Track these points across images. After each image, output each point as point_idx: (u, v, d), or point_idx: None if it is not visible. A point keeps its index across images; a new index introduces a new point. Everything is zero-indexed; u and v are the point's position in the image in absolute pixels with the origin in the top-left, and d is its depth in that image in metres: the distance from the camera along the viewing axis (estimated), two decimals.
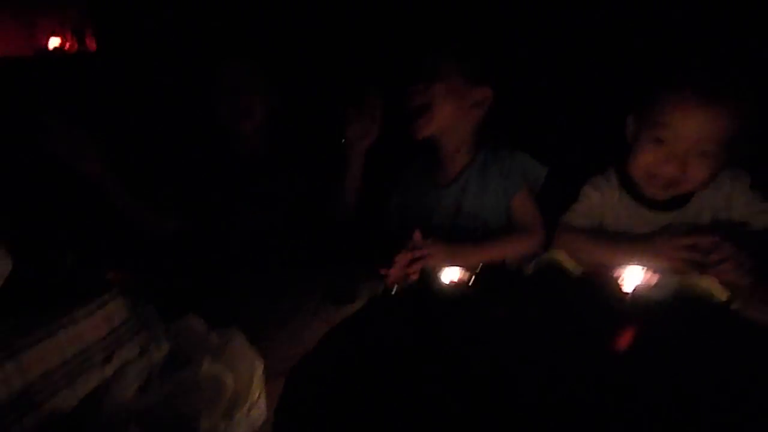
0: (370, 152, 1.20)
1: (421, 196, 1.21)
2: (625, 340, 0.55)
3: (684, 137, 0.90)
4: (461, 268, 0.80)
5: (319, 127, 1.39)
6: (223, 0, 1.60)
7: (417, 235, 0.94)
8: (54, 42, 2.10)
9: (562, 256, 0.73)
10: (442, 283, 0.77)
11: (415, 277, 0.87)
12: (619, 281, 0.67)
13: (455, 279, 0.78)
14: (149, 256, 1.18)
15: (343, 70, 1.51)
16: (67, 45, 2.11)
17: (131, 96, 1.59)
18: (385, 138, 1.18)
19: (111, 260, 0.94)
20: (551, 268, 0.71)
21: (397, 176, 1.30)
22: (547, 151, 1.14)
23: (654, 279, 0.72)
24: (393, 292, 0.81)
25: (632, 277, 0.73)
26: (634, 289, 0.63)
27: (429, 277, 0.78)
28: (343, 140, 1.22)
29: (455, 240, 1.02)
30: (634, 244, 0.94)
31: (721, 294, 0.58)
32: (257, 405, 0.55)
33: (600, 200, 1.07)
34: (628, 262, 0.77)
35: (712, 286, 0.59)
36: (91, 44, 2.08)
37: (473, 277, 0.74)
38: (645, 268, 0.74)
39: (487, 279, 0.71)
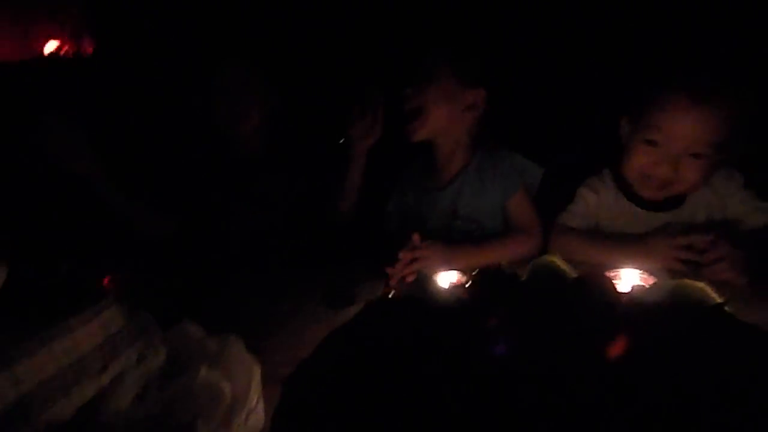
0: (370, 153, 1.20)
1: (418, 198, 1.21)
2: (621, 342, 0.55)
3: (676, 139, 0.90)
4: (458, 270, 0.80)
5: (319, 128, 1.39)
6: (221, 2, 1.60)
7: (416, 237, 0.94)
8: (51, 46, 2.10)
9: (558, 259, 0.73)
10: (440, 286, 0.77)
11: (411, 279, 0.87)
12: (614, 283, 0.67)
13: (452, 282, 0.78)
14: (147, 258, 1.18)
15: (342, 71, 1.51)
16: (65, 49, 2.11)
17: (129, 99, 1.59)
18: (384, 140, 1.18)
19: (107, 265, 0.94)
20: (546, 270, 0.71)
21: (396, 178, 1.30)
22: (543, 153, 1.14)
23: (650, 280, 0.72)
24: (391, 295, 0.81)
25: (628, 278, 0.73)
26: (630, 291, 0.63)
27: (426, 281, 0.78)
28: (342, 140, 1.22)
29: (453, 242, 1.02)
30: (630, 245, 0.94)
31: (715, 296, 0.58)
32: (255, 412, 0.55)
33: (596, 201, 1.07)
34: (623, 262, 0.77)
35: (706, 288, 0.59)
36: (89, 48, 2.08)
37: (470, 280, 0.75)
38: (641, 269, 0.74)
39: (483, 282, 0.71)
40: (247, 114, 1.27)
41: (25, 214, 1.24)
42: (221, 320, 0.65)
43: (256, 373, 0.57)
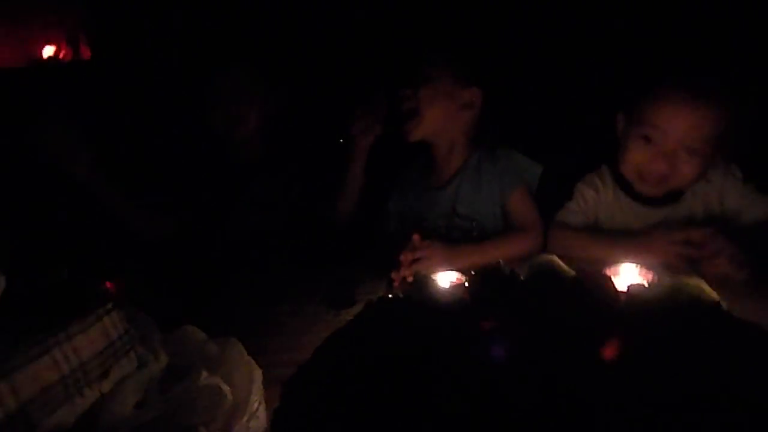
0: (370, 154, 1.21)
1: (417, 198, 1.21)
2: (620, 340, 0.55)
3: (671, 135, 0.91)
4: (458, 270, 0.80)
5: (318, 129, 1.40)
6: (219, 6, 1.60)
7: (416, 238, 0.94)
8: (48, 51, 2.10)
9: (556, 258, 0.73)
10: (440, 286, 0.77)
11: (410, 279, 0.87)
12: (612, 280, 0.67)
13: (452, 282, 0.78)
14: (147, 261, 1.18)
15: (341, 72, 1.51)
16: (62, 53, 2.12)
17: (127, 102, 1.59)
18: (383, 140, 1.19)
19: (107, 269, 0.95)
20: (545, 269, 0.71)
21: (396, 178, 1.31)
22: (541, 150, 1.14)
23: (648, 275, 0.72)
24: (390, 296, 0.82)
25: (626, 275, 0.73)
26: (628, 288, 0.63)
27: (426, 281, 0.78)
28: (342, 140, 1.23)
29: (453, 241, 1.02)
30: (629, 240, 0.95)
31: (711, 293, 0.58)
32: (256, 415, 0.56)
33: (594, 197, 1.07)
34: (622, 258, 0.77)
35: (701, 285, 0.59)
36: (86, 52, 2.09)
37: (469, 280, 0.75)
38: (639, 265, 0.74)
39: (481, 281, 0.71)
40: (245, 117, 1.27)
41: (25, 219, 1.24)
42: (221, 323, 0.65)
43: (258, 376, 0.58)
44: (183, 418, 0.48)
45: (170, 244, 1.25)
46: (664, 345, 0.52)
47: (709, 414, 0.48)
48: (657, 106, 0.92)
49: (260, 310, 0.87)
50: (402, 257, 0.90)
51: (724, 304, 0.58)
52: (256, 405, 0.54)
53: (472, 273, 0.73)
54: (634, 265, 0.75)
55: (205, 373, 0.53)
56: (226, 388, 0.53)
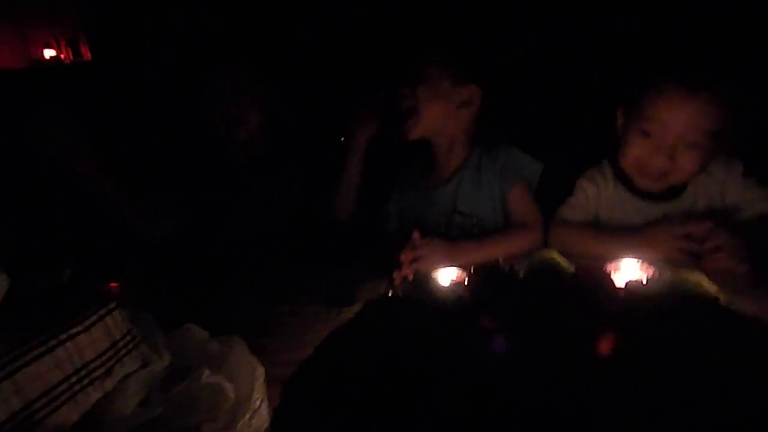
0: (370, 154, 1.21)
1: (418, 196, 1.21)
2: (619, 336, 0.56)
3: (670, 129, 0.90)
4: (458, 267, 0.80)
5: (318, 129, 1.40)
6: (219, 6, 1.60)
7: (416, 235, 0.94)
8: (49, 53, 2.11)
9: (556, 254, 0.73)
10: (440, 283, 0.77)
11: (410, 277, 0.87)
12: (612, 276, 0.67)
13: (452, 279, 0.78)
14: (148, 261, 1.18)
15: (341, 71, 1.51)
16: (63, 55, 2.13)
17: (127, 102, 1.60)
18: (383, 140, 1.19)
19: (109, 270, 0.95)
20: (545, 266, 0.71)
21: (396, 179, 1.31)
22: (541, 146, 1.14)
23: (649, 271, 0.72)
24: (390, 294, 0.82)
25: (627, 270, 0.73)
26: (627, 284, 0.63)
27: (426, 278, 0.78)
28: (343, 139, 1.23)
29: (453, 239, 1.02)
30: (630, 236, 0.94)
31: (710, 288, 0.58)
32: (259, 413, 0.56)
33: (595, 193, 1.07)
34: (623, 253, 0.77)
35: (701, 279, 0.59)
36: (86, 53, 2.09)
37: (469, 278, 0.75)
38: (640, 260, 0.74)
39: (481, 278, 0.71)
40: (246, 117, 1.27)
41: (27, 220, 1.25)
42: (222, 323, 0.65)
43: (260, 374, 0.58)
44: (186, 416, 0.49)
45: (171, 244, 1.25)
46: (662, 342, 0.53)
47: (708, 413, 0.48)
48: (656, 99, 0.91)
49: (261, 310, 0.88)
50: (402, 256, 0.90)
51: (723, 299, 0.58)
52: (258, 402, 0.55)
53: (472, 271, 0.74)
54: (635, 260, 0.75)
55: (207, 372, 0.54)
56: (228, 386, 0.53)
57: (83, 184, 1.10)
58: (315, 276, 0.97)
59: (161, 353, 0.57)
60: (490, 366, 0.58)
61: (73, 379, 0.47)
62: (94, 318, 0.52)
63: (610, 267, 0.72)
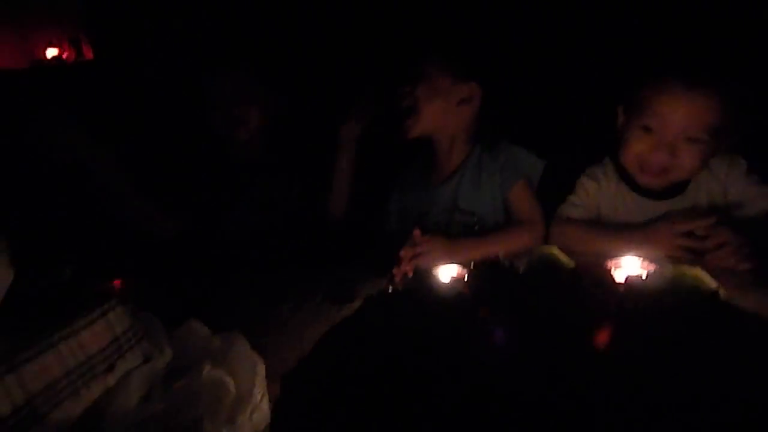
0: (369, 153, 1.21)
1: (418, 194, 1.21)
2: (619, 331, 0.56)
3: (671, 124, 0.90)
4: (459, 264, 0.80)
5: (318, 129, 1.40)
6: (220, 6, 1.61)
7: (416, 233, 0.95)
8: (51, 52, 2.11)
9: (556, 250, 0.73)
10: (440, 280, 0.77)
11: (410, 275, 0.87)
12: (612, 272, 0.67)
13: (453, 276, 0.78)
14: (148, 260, 1.18)
15: (340, 71, 1.51)
16: (65, 54, 2.13)
17: (129, 101, 1.60)
18: (383, 140, 1.19)
19: (111, 268, 0.95)
20: (545, 262, 0.71)
21: (397, 176, 1.31)
22: (543, 144, 1.13)
23: (651, 268, 0.72)
24: (390, 290, 0.82)
25: (628, 267, 0.73)
26: (627, 280, 0.63)
27: (426, 275, 0.78)
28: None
29: (454, 236, 1.02)
30: (632, 234, 0.94)
31: (710, 282, 0.58)
32: (260, 408, 0.56)
33: (597, 190, 1.07)
34: (625, 251, 0.77)
35: (701, 274, 0.59)
36: (88, 53, 2.10)
37: (469, 273, 0.75)
38: (641, 257, 0.74)
39: (481, 275, 0.71)
40: (246, 118, 1.27)
41: (27, 220, 1.25)
42: (223, 321, 0.65)
43: (260, 369, 0.58)
44: (187, 411, 0.49)
45: (171, 244, 1.26)
46: (662, 337, 0.53)
47: (708, 409, 0.48)
48: (656, 94, 0.91)
49: (261, 309, 0.88)
50: (402, 252, 0.90)
51: (723, 294, 0.58)
52: (259, 398, 0.55)
53: (472, 266, 0.74)
54: (636, 257, 0.75)
55: (208, 367, 0.54)
56: (229, 381, 0.54)
57: (102, 185, 1.11)
58: (315, 276, 0.97)
59: (163, 349, 0.58)
60: (489, 362, 0.58)
61: (76, 373, 0.47)
62: (96, 314, 0.52)
63: (611, 263, 0.73)
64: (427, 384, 0.57)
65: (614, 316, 0.58)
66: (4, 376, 0.41)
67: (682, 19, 1.17)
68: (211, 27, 1.61)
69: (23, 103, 1.48)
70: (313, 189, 1.31)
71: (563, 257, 0.73)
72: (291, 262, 1.11)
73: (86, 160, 1.08)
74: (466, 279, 0.75)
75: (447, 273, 0.80)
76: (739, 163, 0.98)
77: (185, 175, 1.33)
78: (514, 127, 1.17)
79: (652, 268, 0.73)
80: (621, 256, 0.77)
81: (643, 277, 0.65)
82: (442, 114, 1.11)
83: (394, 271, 0.88)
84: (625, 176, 1.04)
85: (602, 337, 0.55)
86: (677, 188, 1.00)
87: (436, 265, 0.82)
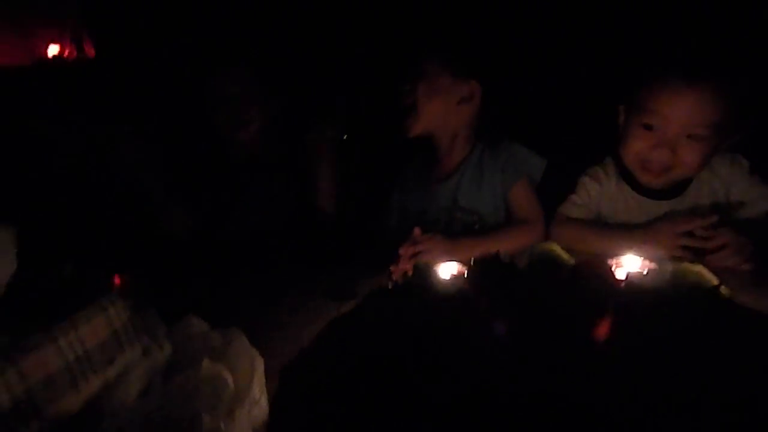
0: (370, 153, 1.21)
1: (419, 192, 1.22)
2: (619, 328, 0.56)
3: (672, 122, 0.90)
4: (459, 262, 0.80)
5: (318, 128, 1.40)
6: (220, 7, 1.61)
7: (416, 231, 0.95)
8: (53, 50, 2.11)
9: (556, 247, 0.73)
10: (440, 277, 0.77)
11: (410, 273, 0.87)
12: (613, 270, 0.67)
13: (453, 273, 0.79)
14: (150, 257, 1.18)
15: (340, 71, 1.51)
16: (66, 52, 2.13)
17: (131, 101, 1.60)
18: (383, 140, 1.19)
19: (111, 264, 0.95)
20: (545, 259, 0.71)
21: (397, 175, 1.31)
22: (544, 143, 1.13)
23: (651, 266, 0.72)
24: (391, 287, 0.82)
25: (629, 265, 0.73)
26: (627, 278, 0.63)
27: (427, 272, 0.78)
28: (345, 136, 1.23)
29: (454, 234, 1.02)
30: (632, 233, 0.94)
31: (711, 280, 0.58)
32: (259, 403, 0.56)
33: (598, 190, 1.07)
34: (626, 251, 0.77)
35: (702, 272, 0.59)
36: (90, 51, 2.10)
37: (469, 270, 0.75)
38: (642, 256, 0.74)
39: (481, 271, 0.71)
40: (247, 121, 1.27)
41: (28, 215, 1.25)
42: (223, 319, 0.65)
43: (259, 365, 0.58)
44: (186, 406, 0.49)
45: (171, 244, 1.26)
46: (663, 334, 0.53)
47: (708, 405, 0.48)
48: (657, 91, 0.91)
49: (261, 308, 0.88)
50: (402, 250, 0.90)
51: (724, 291, 0.57)
52: (258, 393, 0.55)
53: (472, 263, 0.74)
54: (637, 256, 0.75)
55: (207, 362, 0.54)
56: (228, 376, 0.54)
57: (146, 191, 1.12)
58: (315, 275, 0.97)
59: (162, 343, 0.57)
60: (489, 359, 0.58)
61: (75, 367, 0.47)
62: (96, 308, 0.52)
63: (612, 261, 0.72)
64: (426, 381, 0.57)
65: (614, 312, 0.58)
66: (4, 368, 0.41)
67: (682, 17, 1.17)
68: (212, 27, 1.61)
69: (24, 100, 1.49)
70: (313, 189, 1.31)
71: (563, 254, 0.73)
72: (291, 262, 1.11)
73: (143, 167, 1.09)
74: (466, 276, 0.75)
75: (447, 270, 0.80)
76: (741, 162, 0.98)
77: (185, 175, 1.33)
78: (514, 125, 1.16)
79: (653, 266, 0.73)
80: (621, 255, 0.77)
81: (644, 274, 0.65)
82: (442, 112, 1.11)
83: (393, 268, 0.88)
84: (626, 176, 1.04)
85: (602, 334, 0.55)
86: (678, 188, 1.00)
87: (436, 263, 0.82)
